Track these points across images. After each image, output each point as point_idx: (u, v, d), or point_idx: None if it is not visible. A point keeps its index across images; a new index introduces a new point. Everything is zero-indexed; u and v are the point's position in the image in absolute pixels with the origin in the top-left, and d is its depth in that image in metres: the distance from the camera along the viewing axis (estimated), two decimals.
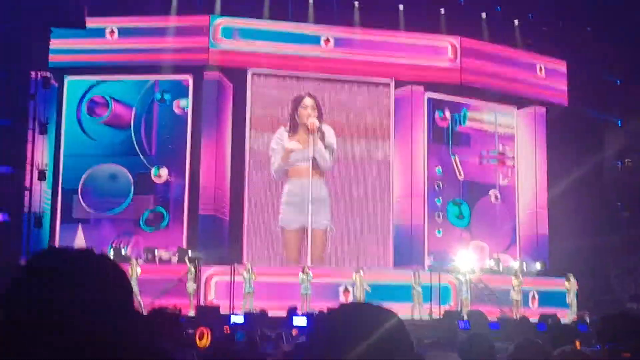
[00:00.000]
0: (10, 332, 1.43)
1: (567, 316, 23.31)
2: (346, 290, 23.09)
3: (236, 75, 26.17)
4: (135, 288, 18.71)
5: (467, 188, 28.02)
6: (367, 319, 1.69)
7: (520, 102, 28.93)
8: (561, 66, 29.28)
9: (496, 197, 28.48)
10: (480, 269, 24.97)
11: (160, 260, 23.94)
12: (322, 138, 25.60)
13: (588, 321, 21.79)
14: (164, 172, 25.63)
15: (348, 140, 26.56)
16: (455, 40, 27.44)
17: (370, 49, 26.74)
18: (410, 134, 27.18)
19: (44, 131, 23.78)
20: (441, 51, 27.48)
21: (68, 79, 25.96)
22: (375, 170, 26.93)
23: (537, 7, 27.93)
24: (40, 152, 24.25)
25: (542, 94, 28.99)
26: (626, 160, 29.43)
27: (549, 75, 29.18)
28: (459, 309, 22.90)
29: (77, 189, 25.58)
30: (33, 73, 23.74)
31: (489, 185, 28.50)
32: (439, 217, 27.25)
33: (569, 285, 24.13)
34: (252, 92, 26.33)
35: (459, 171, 27.88)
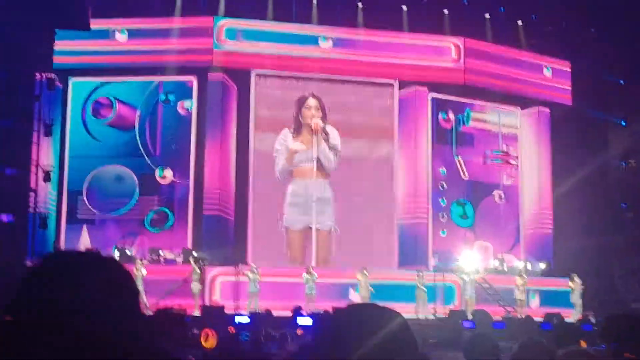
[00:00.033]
0: (17, 332, 1.45)
1: (571, 316, 23.29)
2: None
3: (240, 76, 26.21)
4: (141, 288, 18.73)
5: (471, 188, 28.02)
6: (371, 319, 1.71)
7: (524, 102, 28.92)
8: (565, 66, 29.26)
9: (500, 197, 28.47)
10: (484, 268, 24.97)
11: (165, 260, 23.97)
12: (326, 139, 25.60)
13: (593, 321, 21.79)
14: (168, 173, 25.68)
15: (352, 141, 26.57)
16: (459, 40, 27.44)
17: (373, 49, 26.76)
18: (414, 134, 27.19)
19: (48, 132, 23.81)
20: (445, 52, 27.49)
21: (73, 81, 26.01)
22: (380, 171, 26.94)
23: (541, 7, 27.90)
24: (46, 154, 24.30)
25: (546, 94, 28.97)
26: (630, 160, 29.39)
27: (553, 75, 29.16)
28: (464, 308, 22.89)
29: (82, 190, 25.63)
30: (38, 74, 23.78)
31: (493, 185, 28.49)
32: (443, 217, 27.25)
33: (573, 285, 24.11)
34: (256, 93, 26.35)
35: (463, 171, 27.88)
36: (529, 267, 25.99)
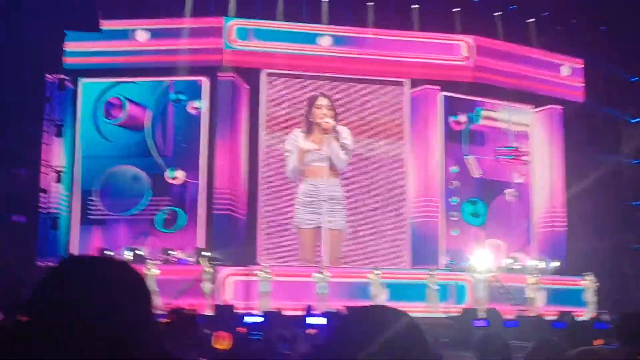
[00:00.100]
0: (32, 332, 1.47)
1: (584, 314, 23.22)
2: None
3: (251, 75, 26.26)
4: (153, 289, 18.77)
5: (482, 187, 27.96)
6: (379, 320, 1.70)
7: (536, 100, 28.83)
8: (577, 64, 29.17)
9: (512, 196, 28.40)
10: (496, 267, 24.91)
11: (176, 261, 24.03)
12: (338, 138, 25.58)
13: (606, 319, 21.71)
14: (179, 173, 25.74)
15: (363, 140, 26.57)
16: (469, 39, 27.40)
17: (384, 48, 26.75)
18: (425, 133, 27.18)
19: (59, 133, 23.91)
20: (455, 50, 27.45)
21: (83, 81, 26.08)
22: (391, 170, 26.94)
23: (552, 5, 27.81)
24: (56, 155, 24.40)
25: (558, 92, 28.88)
26: None
27: (565, 73, 29.07)
28: (475, 307, 22.85)
29: (94, 191, 25.72)
30: (48, 76, 23.89)
31: (505, 183, 28.42)
32: (454, 216, 27.21)
33: (586, 284, 24.04)
34: (267, 93, 26.40)
35: (474, 170, 27.82)
36: (541, 265, 25.91)
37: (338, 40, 26.59)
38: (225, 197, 25.06)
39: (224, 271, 22.99)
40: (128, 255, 23.63)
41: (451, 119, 27.67)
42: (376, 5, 26.81)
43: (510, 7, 27.94)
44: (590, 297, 23.97)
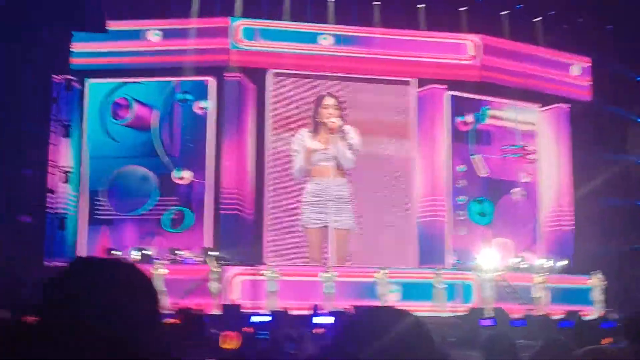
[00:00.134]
0: (40, 333, 1.48)
1: (592, 313, 23.18)
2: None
3: (257, 75, 26.30)
4: (161, 289, 18.79)
5: (489, 186, 27.93)
6: (384, 321, 1.71)
7: (543, 99, 28.79)
8: (584, 63, 29.12)
9: (519, 195, 28.36)
10: (503, 266, 24.87)
11: (184, 260, 24.07)
12: (344, 137, 25.56)
13: (614, 318, 21.68)
14: (186, 173, 25.78)
15: (370, 139, 26.54)
16: (476, 38, 27.37)
17: (390, 47, 26.75)
18: (432, 132, 27.17)
19: (66, 134, 23.97)
20: (462, 49, 27.42)
21: (90, 82, 26.14)
22: (398, 169, 26.94)
23: (559, 4, 27.76)
24: (64, 155, 24.47)
25: (565, 90, 28.83)
26: None
27: (572, 72, 29.03)
28: (482, 307, 22.83)
29: (101, 191, 25.78)
30: (55, 76, 23.97)
31: (512, 182, 28.39)
32: (461, 215, 27.19)
33: (594, 283, 23.98)
34: (273, 93, 26.42)
35: (481, 169, 27.80)
36: (548, 264, 25.86)
37: (344, 40, 26.60)
38: (232, 197, 25.10)
39: (231, 271, 23.01)
40: (135, 255, 23.68)
41: (458, 119, 27.62)
42: (382, 4, 26.81)
43: (517, 6, 27.91)
44: (597, 296, 23.92)
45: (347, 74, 26.67)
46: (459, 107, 27.71)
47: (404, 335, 1.67)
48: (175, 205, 25.80)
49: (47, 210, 23.51)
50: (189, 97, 26.20)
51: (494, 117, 28.42)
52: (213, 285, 22.10)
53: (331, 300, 21.83)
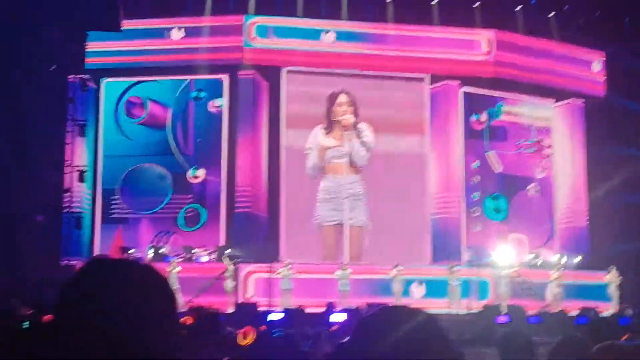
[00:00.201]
0: (55, 332, 1.49)
1: (608, 309, 23.06)
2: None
3: (271, 73, 26.31)
4: (176, 287, 18.86)
5: (504, 182, 27.84)
6: (397, 319, 1.71)
7: (557, 94, 28.66)
8: (599, 57, 28.96)
9: (534, 191, 28.27)
10: (518, 263, 24.79)
11: (199, 258, 24.13)
12: (358, 135, 25.56)
13: (629, 314, 21.59)
14: (201, 171, 25.84)
15: (384, 136, 26.50)
16: (490, 33, 27.25)
17: (404, 44, 26.69)
18: (446, 128, 27.10)
19: (82, 133, 24.07)
20: (476, 45, 27.32)
21: (105, 81, 26.25)
22: (412, 166, 26.87)
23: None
24: (79, 154, 24.57)
25: (580, 85, 28.67)
26: None
27: (586, 66, 28.88)
28: (498, 303, 22.78)
29: (116, 190, 25.88)
30: (71, 76, 24.07)
31: (527, 178, 28.29)
32: (476, 211, 27.12)
33: (610, 278, 23.86)
34: (287, 90, 26.42)
35: (496, 165, 27.72)
36: (563, 260, 25.76)
37: (358, 37, 26.57)
38: (246, 195, 25.13)
39: (246, 269, 23.05)
40: (151, 253, 23.78)
41: (473, 118, 27.55)
42: (395, 1, 26.73)
43: (532, 2, 27.78)
44: (613, 291, 23.80)
45: (360, 70, 26.64)
46: (473, 104, 27.63)
47: (418, 333, 1.67)
48: (190, 203, 25.86)
49: (64, 209, 23.62)
50: (202, 94, 26.26)
51: (508, 113, 28.32)
52: (228, 283, 22.15)
53: (346, 298, 21.83)
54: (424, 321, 1.71)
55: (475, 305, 22.91)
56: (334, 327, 16.56)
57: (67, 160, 23.78)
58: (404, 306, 1.80)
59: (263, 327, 15.22)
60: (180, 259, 23.31)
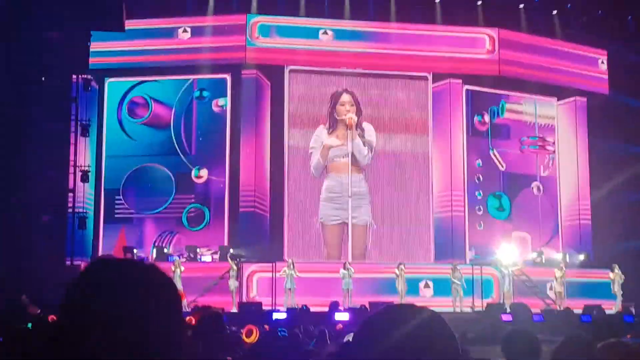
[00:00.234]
0: (61, 333, 1.49)
1: (612, 307, 23.05)
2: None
3: (274, 72, 26.31)
4: (179, 286, 18.86)
5: (507, 180, 27.83)
6: (401, 318, 1.71)
7: (560, 92, 28.64)
8: (601, 55, 28.93)
9: (537, 189, 28.24)
10: (522, 261, 24.77)
11: (202, 258, 24.14)
12: (361, 134, 25.57)
13: (632, 312, 21.57)
14: (204, 171, 25.85)
15: (387, 135, 26.52)
16: (493, 32, 27.24)
17: (407, 43, 26.69)
18: (449, 127, 27.08)
19: (85, 133, 24.09)
20: (479, 43, 27.31)
21: (108, 81, 26.28)
22: (415, 165, 26.86)
23: None
24: (83, 154, 24.59)
25: (583, 83, 28.64)
26: None
27: (589, 64, 28.85)
28: (502, 301, 22.78)
29: (120, 190, 25.89)
30: (74, 76, 24.08)
31: (530, 177, 28.28)
32: (479, 210, 27.11)
33: (614, 276, 23.83)
34: (290, 89, 26.42)
35: (499, 163, 27.70)
36: (567, 258, 25.74)
37: (360, 36, 26.56)
38: (250, 194, 25.13)
39: (250, 268, 23.07)
40: (155, 253, 23.80)
41: (476, 119, 27.55)
42: None
43: (535, 0, 27.75)
44: (617, 289, 23.77)
45: (363, 69, 26.63)
46: (476, 102, 27.62)
47: (422, 331, 1.66)
48: (194, 202, 25.87)
49: (68, 210, 23.64)
50: (205, 93, 26.27)
51: (512, 110, 28.31)
52: (231, 283, 22.15)
53: (349, 297, 21.83)
54: (429, 319, 1.70)
55: (479, 303, 22.90)
56: (338, 326, 16.56)
57: (70, 160, 23.79)
58: (409, 304, 1.79)
59: (267, 327, 15.23)
60: (184, 259, 23.33)
